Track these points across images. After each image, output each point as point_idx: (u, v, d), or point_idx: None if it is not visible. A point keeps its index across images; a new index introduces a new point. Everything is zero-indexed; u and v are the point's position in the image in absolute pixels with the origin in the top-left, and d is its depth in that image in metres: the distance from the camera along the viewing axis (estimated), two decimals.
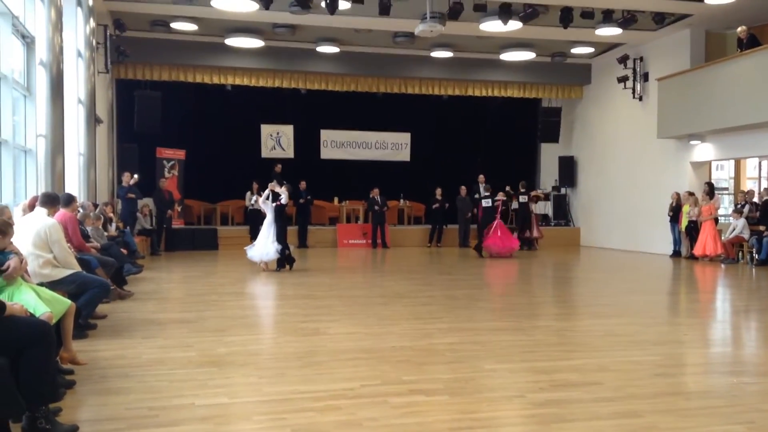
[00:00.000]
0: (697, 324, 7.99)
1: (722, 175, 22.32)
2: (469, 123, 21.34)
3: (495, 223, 15.72)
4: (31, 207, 6.64)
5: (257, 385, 4.92)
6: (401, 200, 19.91)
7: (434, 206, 18.83)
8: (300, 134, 19.92)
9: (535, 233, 18.28)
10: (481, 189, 16.92)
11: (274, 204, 12.21)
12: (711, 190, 15.29)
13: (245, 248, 12.53)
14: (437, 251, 17.77)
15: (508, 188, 17.94)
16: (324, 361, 5.60)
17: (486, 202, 16.14)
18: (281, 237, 12.10)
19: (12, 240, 4.96)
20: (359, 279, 12.10)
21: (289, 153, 19.77)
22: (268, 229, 12.17)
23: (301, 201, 17.82)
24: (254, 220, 17.51)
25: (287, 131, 19.89)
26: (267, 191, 12.55)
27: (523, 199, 18.04)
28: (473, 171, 19.73)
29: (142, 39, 16.29)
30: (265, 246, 12.09)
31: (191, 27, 15.80)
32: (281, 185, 12.91)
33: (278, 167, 17.98)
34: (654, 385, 4.99)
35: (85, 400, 4.56)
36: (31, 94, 10.43)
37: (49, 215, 6.29)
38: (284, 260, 12.26)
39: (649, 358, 5.80)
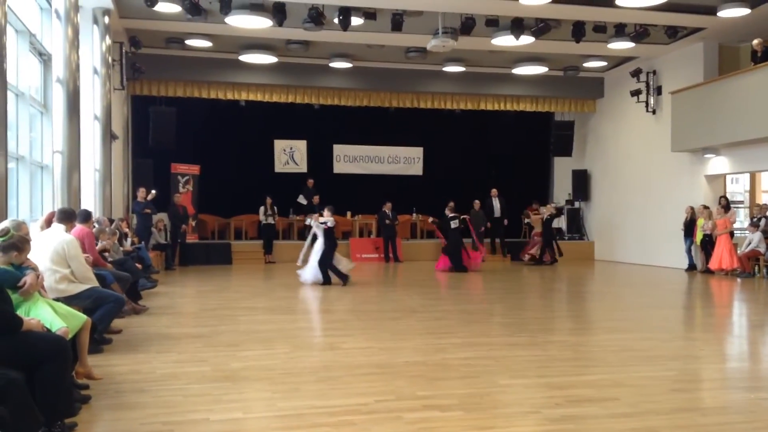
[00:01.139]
0: (713, 339, 7.92)
1: (737, 188, 22.18)
2: (482, 137, 21.33)
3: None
4: (48, 223, 6.71)
5: (271, 400, 4.92)
6: (414, 214, 19.90)
7: (453, 226, 18.69)
8: (313, 149, 20.00)
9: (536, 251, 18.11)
10: (447, 212, 16.09)
11: (323, 226, 12.49)
12: (727, 204, 15.18)
13: (298, 272, 12.75)
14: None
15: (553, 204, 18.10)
16: (338, 376, 5.59)
17: (454, 224, 15.80)
18: (327, 259, 12.36)
19: (29, 255, 5.01)
20: (372, 293, 12.10)
21: (302, 168, 19.85)
22: (318, 252, 12.43)
23: None
24: (267, 234, 17.65)
25: (300, 146, 19.98)
26: (317, 216, 12.86)
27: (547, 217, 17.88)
28: (486, 185, 19.71)
29: (157, 56, 16.45)
30: (315, 268, 12.42)
31: (206, 44, 15.95)
32: (310, 199, 13.47)
33: (310, 182, 18.39)
34: (670, 400, 4.95)
35: (100, 415, 4.58)
36: (47, 110, 10.57)
37: (66, 231, 6.35)
38: (329, 279, 12.40)
39: (665, 374, 5.75)
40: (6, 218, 5.97)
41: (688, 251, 15.98)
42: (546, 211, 17.35)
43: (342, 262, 12.76)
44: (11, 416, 3.42)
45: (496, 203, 18.76)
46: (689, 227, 15.84)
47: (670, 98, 16.65)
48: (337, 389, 5.19)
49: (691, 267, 15.91)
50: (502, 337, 7.46)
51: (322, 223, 12.53)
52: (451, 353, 6.50)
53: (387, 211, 18.21)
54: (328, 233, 12.52)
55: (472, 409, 4.67)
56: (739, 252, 14.68)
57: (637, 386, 5.30)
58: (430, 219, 16.98)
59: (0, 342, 3.80)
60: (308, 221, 13.14)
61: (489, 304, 10.47)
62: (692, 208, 15.87)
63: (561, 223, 20.64)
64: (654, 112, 17.72)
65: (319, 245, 12.52)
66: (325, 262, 12.37)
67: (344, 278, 12.41)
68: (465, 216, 16.46)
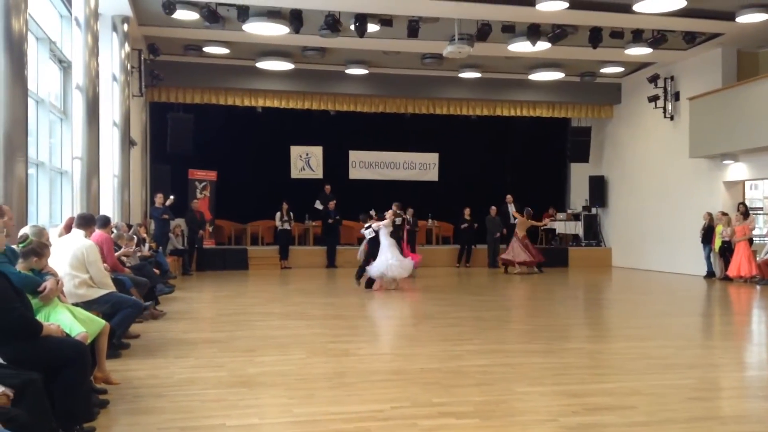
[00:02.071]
0: (732, 347, 7.84)
1: (756, 194, 21.94)
2: (498, 143, 21.32)
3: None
4: (67, 228, 6.78)
5: (287, 405, 4.93)
6: (429, 220, 19.89)
7: (463, 226, 18.77)
8: (329, 155, 20.06)
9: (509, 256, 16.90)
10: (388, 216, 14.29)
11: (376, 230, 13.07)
12: (746, 211, 15.04)
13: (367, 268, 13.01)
14: (466, 271, 17.69)
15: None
16: (353, 383, 5.60)
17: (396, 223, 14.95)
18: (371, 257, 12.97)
19: (48, 261, 5.07)
20: (387, 299, 12.10)
21: (318, 174, 19.91)
22: (390, 250, 12.77)
23: (330, 221, 17.93)
24: (284, 240, 17.71)
25: (316, 152, 20.04)
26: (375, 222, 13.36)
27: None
28: (502, 191, 19.66)
29: (175, 63, 16.60)
30: (399, 261, 12.77)
31: (223, 51, 16.06)
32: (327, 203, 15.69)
33: (327, 188, 18.51)
34: (689, 409, 4.91)
35: (118, 419, 4.61)
36: (67, 117, 10.69)
37: (85, 236, 6.41)
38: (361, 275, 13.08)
39: (683, 382, 5.71)
40: (26, 224, 6.04)
41: (707, 258, 15.84)
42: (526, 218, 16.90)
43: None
44: (27, 417, 3.45)
45: (511, 209, 18.68)
46: (708, 234, 15.70)
47: (688, 104, 16.54)
48: (353, 395, 5.20)
49: (710, 274, 15.78)
50: (519, 344, 7.43)
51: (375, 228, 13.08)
52: (467, 360, 6.49)
53: (408, 216, 18.24)
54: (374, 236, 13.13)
55: (488, 417, 4.66)
56: (758, 259, 14.53)
57: (654, 395, 5.26)
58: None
59: (20, 346, 3.84)
60: (371, 228, 13.40)
61: (505, 311, 10.43)
62: (710, 215, 15.75)
63: (578, 229, 20.55)
64: (672, 117, 17.61)
65: (386, 246, 12.76)
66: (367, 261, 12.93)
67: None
68: (404, 216, 15.85)
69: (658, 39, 14.56)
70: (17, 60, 6.14)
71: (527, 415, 4.81)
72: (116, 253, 8.28)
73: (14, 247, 4.91)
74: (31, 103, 8.15)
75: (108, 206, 12.14)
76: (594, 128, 20.73)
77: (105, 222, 7.82)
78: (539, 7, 12.46)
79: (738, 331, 9.24)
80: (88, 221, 6.51)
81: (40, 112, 9.46)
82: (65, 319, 4.63)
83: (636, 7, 12.60)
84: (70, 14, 10.47)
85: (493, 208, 18.80)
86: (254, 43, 15.54)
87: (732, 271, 14.69)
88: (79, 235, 6.34)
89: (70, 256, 6.14)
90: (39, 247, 4.87)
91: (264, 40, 15.03)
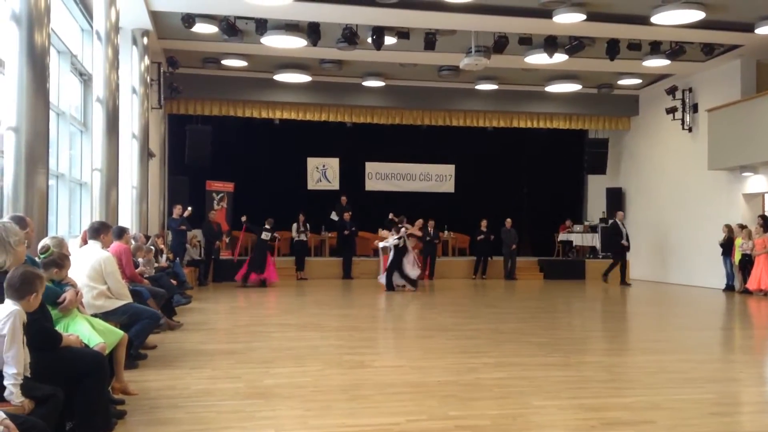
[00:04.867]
0: (752, 361, 7.74)
1: None
2: (515, 154, 21.29)
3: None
4: (86, 240, 6.83)
5: (303, 417, 4.93)
6: (446, 232, 19.86)
7: (479, 238, 18.74)
8: (345, 166, 20.15)
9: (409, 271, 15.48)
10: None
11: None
12: (766, 223, 14.88)
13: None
14: (482, 283, 17.62)
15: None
16: (369, 395, 5.59)
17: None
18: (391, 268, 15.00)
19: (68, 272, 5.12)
20: (403, 311, 12.08)
21: (335, 185, 19.98)
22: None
23: (346, 232, 17.95)
24: (300, 251, 17.74)
25: (333, 164, 20.12)
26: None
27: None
28: (519, 203, 19.60)
29: (194, 75, 16.76)
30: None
31: (241, 63, 16.20)
32: (342, 214, 17.15)
33: (344, 199, 18.58)
34: (708, 424, 4.85)
35: (135, 430, 4.63)
36: (87, 129, 10.82)
37: (101, 246, 6.46)
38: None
39: (703, 396, 5.64)
40: (46, 235, 6.10)
41: (728, 271, 15.68)
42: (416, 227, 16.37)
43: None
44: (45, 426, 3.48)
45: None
46: (727, 246, 15.55)
47: (706, 116, 16.43)
48: (369, 408, 5.19)
49: (729, 287, 15.61)
50: (536, 357, 7.38)
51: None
52: (483, 373, 6.45)
53: (429, 228, 18.26)
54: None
55: (505, 431, 4.63)
56: None
57: (674, 409, 5.21)
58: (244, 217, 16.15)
59: (40, 357, 3.88)
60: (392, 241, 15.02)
61: (522, 323, 10.37)
62: (730, 227, 15.60)
63: (595, 241, 20.42)
64: (690, 129, 17.50)
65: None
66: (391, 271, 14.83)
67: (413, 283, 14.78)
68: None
69: (676, 51, 14.50)
70: (39, 73, 6.23)
71: (544, 429, 4.78)
72: (136, 270, 8.33)
73: (35, 258, 4.96)
74: (52, 115, 8.26)
75: (126, 217, 12.25)
76: (611, 140, 20.64)
77: (120, 233, 7.84)
78: (556, 19, 12.47)
79: (758, 345, 9.12)
80: (96, 231, 6.52)
81: (60, 124, 9.59)
82: (84, 330, 4.66)
83: (654, 19, 12.56)
84: (91, 28, 10.60)
85: (509, 220, 18.78)
86: (272, 56, 15.65)
87: (752, 284, 14.53)
88: (97, 247, 6.39)
89: (88, 267, 6.19)
90: (60, 258, 4.92)
91: (282, 53, 15.14)
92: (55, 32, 8.77)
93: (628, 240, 17.32)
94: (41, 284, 3.87)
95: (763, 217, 15.17)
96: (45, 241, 5.29)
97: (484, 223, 18.71)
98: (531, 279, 18.84)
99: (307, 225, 17.84)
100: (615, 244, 17.58)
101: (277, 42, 13.87)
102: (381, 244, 15.75)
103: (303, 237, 17.69)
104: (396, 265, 14.96)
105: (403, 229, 14.92)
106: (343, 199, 18.70)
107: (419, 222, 16.14)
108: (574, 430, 4.68)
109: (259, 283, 15.45)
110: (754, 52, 15.18)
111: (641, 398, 5.58)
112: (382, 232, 16.12)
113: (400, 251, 14.91)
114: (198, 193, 17.72)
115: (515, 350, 7.82)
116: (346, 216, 17.99)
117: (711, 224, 16.43)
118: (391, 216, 17.15)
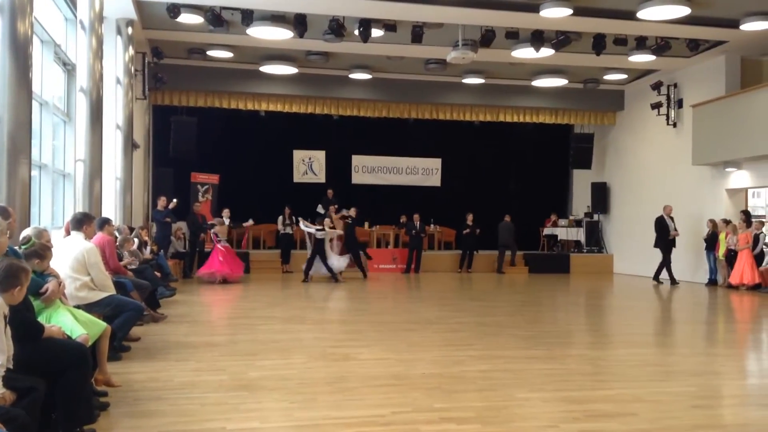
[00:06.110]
0: (734, 355, 7.82)
1: (759, 202, 21.87)
2: (501, 149, 21.33)
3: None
4: (69, 231, 6.77)
5: (288, 410, 4.92)
6: (432, 225, 19.89)
7: (465, 232, 18.79)
8: (331, 159, 20.10)
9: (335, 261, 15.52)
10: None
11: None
12: (748, 218, 15.02)
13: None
14: (468, 277, 17.68)
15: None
16: (355, 387, 5.59)
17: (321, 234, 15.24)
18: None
19: (50, 263, 5.07)
20: (389, 304, 12.08)
21: (321, 178, 19.94)
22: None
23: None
24: (286, 244, 17.69)
25: (319, 156, 20.08)
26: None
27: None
28: (505, 196, 19.66)
29: (179, 66, 16.63)
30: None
31: (227, 54, 16.09)
32: (328, 208, 17.13)
33: (330, 192, 18.58)
34: (691, 416, 4.89)
35: (118, 422, 4.60)
36: (70, 119, 10.71)
37: (84, 237, 6.40)
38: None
39: (685, 389, 5.69)
40: (29, 225, 6.04)
41: (711, 266, 15.82)
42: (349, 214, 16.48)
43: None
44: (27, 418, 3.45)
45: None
46: (711, 241, 15.68)
47: (691, 111, 16.54)
48: (354, 400, 5.19)
49: (712, 281, 15.75)
50: (520, 350, 7.41)
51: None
52: (468, 366, 6.47)
53: (415, 222, 18.28)
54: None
55: (490, 423, 4.65)
56: (760, 267, 14.50)
57: (656, 402, 5.25)
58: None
59: (22, 349, 3.84)
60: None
61: (506, 317, 10.42)
62: (714, 222, 15.72)
63: (580, 235, 20.53)
64: (675, 125, 17.61)
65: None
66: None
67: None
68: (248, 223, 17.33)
69: (662, 46, 14.56)
70: (22, 63, 6.16)
71: (528, 421, 4.80)
72: (122, 262, 8.27)
73: (16, 248, 4.91)
74: (35, 105, 8.16)
75: (110, 209, 12.16)
76: (597, 135, 20.74)
77: (103, 223, 7.77)
78: (543, 13, 12.49)
79: (740, 339, 9.21)
80: (80, 222, 6.45)
81: (43, 114, 9.48)
82: (66, 321, 4.62)
83: (640, 15, 12.62)
84: (75, 17, 10.50)
85: (508, 216, 18.90)
86: (258, 47, 15.56)
87: (734, 279, 14.66)
88: (80, 238, 6.33)
89: (71, 258, 6.13)
90: (41, 249, 4.87)
91: (268, 44, 15.06)
92: (39, 21, 8.65)
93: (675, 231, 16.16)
94: (26, 278, 3.82)
95: (745, 212, 15.32)
96: (26, 232, 5.24)
97: (470, 217, 18.75)
98: (516, 273, 18.90)
99: (293, 218, 17.77)
100: (663, 240, 16.11)
101: (263, 33, 13.79)
102: (303, 227, 15.80)
103: (289, 230, 17.64)
104: (317, 256, 15.17)
105: (327, 221, 15.39)
106: (330, 192, 18.67)
107: (341, 222, 16.33)
108: (557, 422, 4.71)
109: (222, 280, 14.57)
110: (739, 48, 15.28)
111: (624, 391, 5.62)
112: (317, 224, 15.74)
113: (320, 242, 15.10)
114: (183, 184, 17.61)
115: (500, 343, 7.84)
116: (331, 209, 17.95)
117: (694, 219, 16.56)
118: (319, 208, 18.03)
